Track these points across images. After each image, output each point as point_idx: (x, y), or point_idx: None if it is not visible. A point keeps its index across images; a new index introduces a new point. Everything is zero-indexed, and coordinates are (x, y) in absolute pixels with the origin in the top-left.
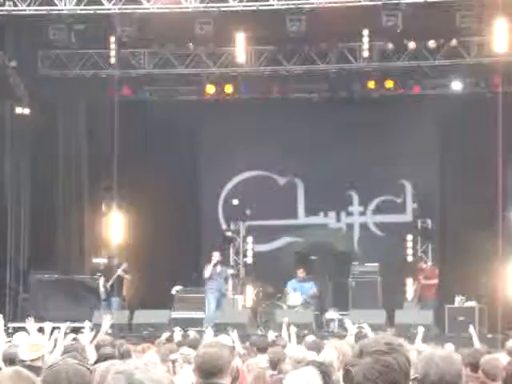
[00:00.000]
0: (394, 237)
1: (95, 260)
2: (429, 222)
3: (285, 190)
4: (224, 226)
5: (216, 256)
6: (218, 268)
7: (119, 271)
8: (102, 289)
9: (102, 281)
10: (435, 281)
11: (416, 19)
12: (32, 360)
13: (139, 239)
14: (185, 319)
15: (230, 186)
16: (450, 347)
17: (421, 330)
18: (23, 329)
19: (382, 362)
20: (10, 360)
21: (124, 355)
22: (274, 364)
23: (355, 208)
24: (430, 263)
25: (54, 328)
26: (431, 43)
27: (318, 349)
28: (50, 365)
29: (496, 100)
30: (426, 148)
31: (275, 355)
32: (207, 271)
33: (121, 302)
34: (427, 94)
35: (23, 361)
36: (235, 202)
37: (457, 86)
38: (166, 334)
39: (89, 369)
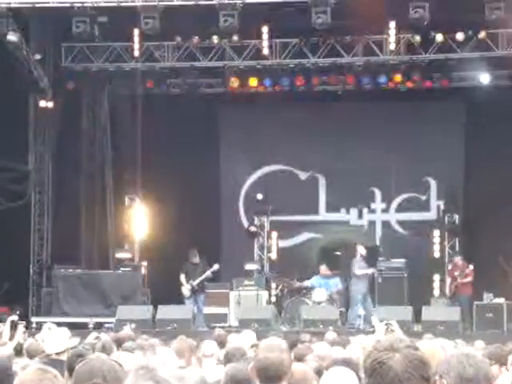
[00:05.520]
0: (418, 234)
1: (118, 254)
2: (456, 217)
3: (306, 186)
4: (244, 221)
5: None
6: None
7: (209, 271)
8: (187, 286)
9: (183, 278)
10: (471, 278)
11: (443, 11)
12: (57, 353)
13: (161, 233)
14: (209, 315)
15: (251, 180)
16: (479, 344)
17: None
18: (46, 323)
19: (415, 356)
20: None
21: (147, 350)
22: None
23: (378, 205)
24: (459, 260)
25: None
26: (459, 35)
27: (342, 345)
28: (83, 359)
29: None
30: (452, 143)
31: (300, 351)
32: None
33: (205, 299)
34: (454, 88)
35: (48, 355)
36: (259, 196)
37: (485, 78)
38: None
39: (121, 365)
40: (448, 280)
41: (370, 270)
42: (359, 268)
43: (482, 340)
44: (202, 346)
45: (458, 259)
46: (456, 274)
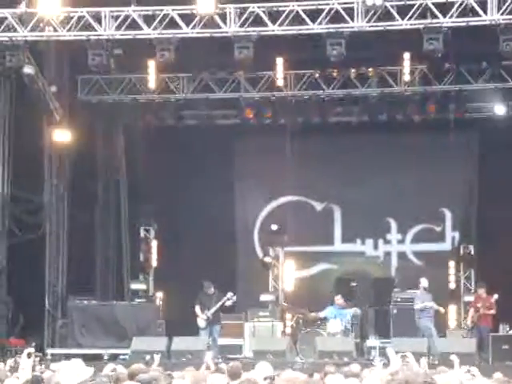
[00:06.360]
0: (434, 265)
1: (133, 285)
2: (471, 248)
3: (322, 216)
4: (259, 252)
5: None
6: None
7: (225, 299)
8: (202, 317)
9: (198, 309)
10: (494, 311)
11: (458, 42)
12: None
13: (175, 264)
14: (224, 346)
15: (266, 211)
16: (497, 376)
17: (455, 359)
18: (62, 355)
19: None
20: None
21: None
22: None
23: (393, 236)
24: (484, 292)
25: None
26: (473, 67)
27: (358, 377)
28: None
29: None
30: (466, 174)
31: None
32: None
33: (220, 330)
34: (469, 118)
35: None
36: (274, 227)
37: (500, 110)
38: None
39: None
40: (470, 311)
41: (430, 304)
42: (420, 302)
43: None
44: (208, 379)
45: (483, 291)
46: (479, 305)
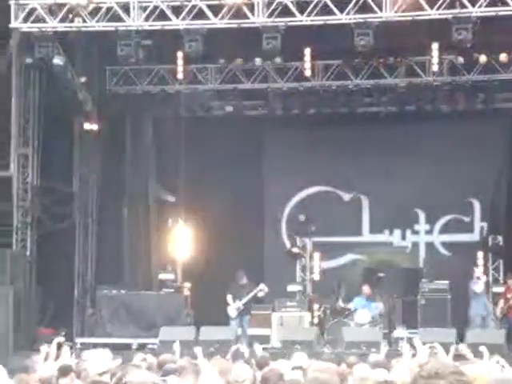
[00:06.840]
0: (462, 256)
1: (161, 275)
2: (500, 238)
3: (349, 207)
4: (287, 242)
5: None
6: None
7: (257, 290)
8: (234, 306)
9: (230, 298)
10: None
11: (487, 32)
12: (99, 374)
13: (204, 255)
14: (251, 336)
15: (294, 201)
16: None
17: (485, 350)
18: (90, 344)
19: (461, 382)
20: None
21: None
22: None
23: (421, 226)
24: (510, 282)
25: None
26: (503, 56)
27: (385, 367)
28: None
29: None
30: (495, 164)
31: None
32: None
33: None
34: (498, 109)
35: (91, 376)
36: (302, 217)
37: None
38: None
39: None
40: (500, 302)
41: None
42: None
43: None
44: (233, 369)
45: None
46: (509, 296)
